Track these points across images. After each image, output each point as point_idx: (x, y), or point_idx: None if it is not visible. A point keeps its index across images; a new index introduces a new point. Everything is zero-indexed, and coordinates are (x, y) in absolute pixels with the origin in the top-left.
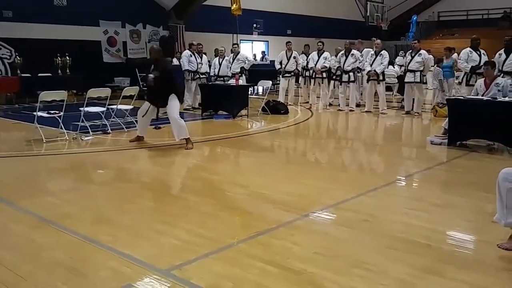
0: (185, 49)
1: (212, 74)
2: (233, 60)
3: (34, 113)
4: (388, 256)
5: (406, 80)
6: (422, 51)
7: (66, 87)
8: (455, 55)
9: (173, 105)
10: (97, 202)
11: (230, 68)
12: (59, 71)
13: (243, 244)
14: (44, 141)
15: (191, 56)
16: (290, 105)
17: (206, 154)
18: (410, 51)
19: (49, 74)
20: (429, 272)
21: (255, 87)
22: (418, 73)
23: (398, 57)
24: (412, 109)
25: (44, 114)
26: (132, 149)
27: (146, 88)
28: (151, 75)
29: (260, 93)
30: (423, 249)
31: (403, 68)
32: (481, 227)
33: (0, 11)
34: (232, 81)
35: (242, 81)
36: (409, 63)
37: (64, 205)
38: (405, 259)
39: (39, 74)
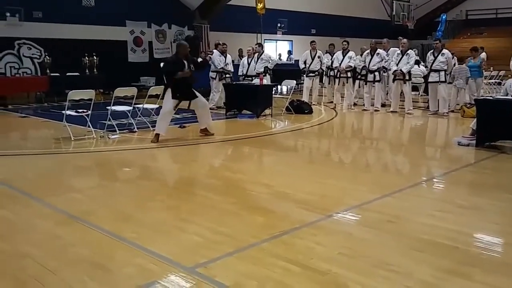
0: (209, 49)
1: (240, 73)
2: (257, 59)
3: (63, 111)
4: (413, 258)
5: (430, 80)
6: (445, 51)
7: (93, 86)
8: (483, 55)
9: (201, 96)
10: (122, 199)
11: (254, 67)
12: (87, 71)
13: (267, 244)
14: (72, 139)
15: (220, 56)
16: (314, 104)
17: (230, 153)
18: (432, 51)
19: (77, 74)
20: (454, 274)
21: (279, 86)
22: (442, 73)
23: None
24: (438, 109)
25: (73, 113)
26: (157, 148)
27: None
28: (186, 69)
29: (284, 93)
30: (449, 251)
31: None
32: (509, 230)
33: (30, 12)
34: (256, 81)
35: (266, 81)
36: (432, 63)
37: (90, 201)
38: (430, 261)
39: (68, 74)
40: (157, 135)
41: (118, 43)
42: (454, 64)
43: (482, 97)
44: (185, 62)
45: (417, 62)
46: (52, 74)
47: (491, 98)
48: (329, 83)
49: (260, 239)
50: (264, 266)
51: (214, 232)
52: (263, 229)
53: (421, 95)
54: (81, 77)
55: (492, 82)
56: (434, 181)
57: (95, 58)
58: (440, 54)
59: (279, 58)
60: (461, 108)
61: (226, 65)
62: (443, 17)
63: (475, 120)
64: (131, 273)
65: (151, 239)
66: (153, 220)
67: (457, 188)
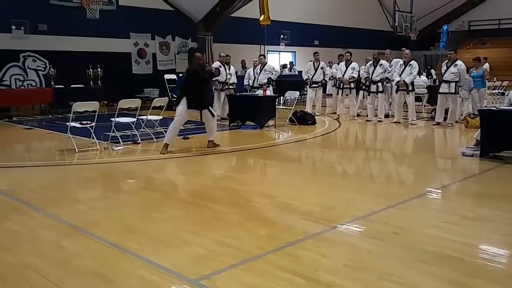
0: (213, 61)
1: (246, 83)
2: (260, 71)
3: (67, 123)
4: (419, 270)
5: (440, 90)
6: (459, 62)
7: (97, 98)
8: (486, 65)
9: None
10: (126, 211)
11: (257, 79)
12: (91, 83)
13: (271, 255)
14: (77, 150)
15: (220, 67)
16: (317, 115)
17: (233, 164)
18: (446, 61)
19: (82, 86)
20: (460, 286)
21: (282, 97)
22: (453, 84)
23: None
24: (444, 120)
25: (77, 125)
26: (160, 159)
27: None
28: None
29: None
30: (455, 263)
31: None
32: None
33: (36, 24)
34: (259, 92)
35: (269, 92)
36: (444, 73)
37: (93, 213)
38: (436, 272)
39: (72, 86)
40: (166, 145)
41: (122, 55)
42: None
43: (485, 108)
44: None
45: (419, 73)
46: (56, 86)
47: (494, 108)
48: (337, 94)
49: (265, 251)
50: (269, 278)
51: (219, 244)
52: (268, 241)
53: (424, 106)
54: (85, 89)
55: (495, 93)
56: (438, 192)
57: (99, 70)
58: (453, 65)
59: (282, 68)
60: (464, 119)
61: (229, 77)
62: (445, 28)
63: (479, 130)
64: (135, 285)
65: (155, 250)
66: (157, 232)
67: (462, 199)
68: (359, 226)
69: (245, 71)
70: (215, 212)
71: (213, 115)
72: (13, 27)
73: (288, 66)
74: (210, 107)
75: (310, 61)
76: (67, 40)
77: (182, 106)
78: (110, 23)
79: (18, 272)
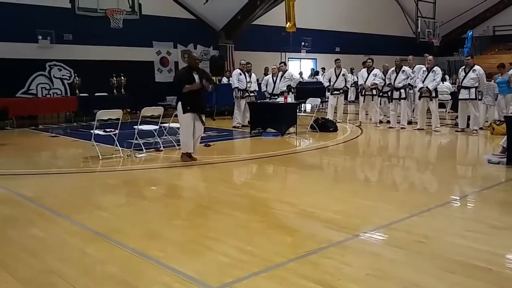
0: (234, 68)
1: (264, 90)
2: (280, 78)
3: (91, 131)
4: (445, 280)
5: (460, 97)
6: (476, 67)
7: (121, 106)
8: (511, 71)
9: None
10: (148, 217)
11: (278, 86)
12: (115, 91)
13: (293, 263)
14: (100, 158)
15: (240, 74)
16: (339, 122)
17: (255, 172)
18: (464, 67)
19: (105, 94)
20: None
21: (304, 104)
22: (473, 90)
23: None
24: (468, 127)
25: (101, 132)
26: (182, 166)
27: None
28: (197, 81)
29: (309, 111)
30: (482, 273)
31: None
32: None
33: (61, 34)
34: (280, 99)
35: (290, 99)
36: (463, 79)
37: (117, 219)
38: (462, 283)
39: (96, 94)
40: (187, 153)
41: (145, 64)
42: None
43: None
44: (196, 75)
45: (442, 79)
46: (81, 95)
47: None
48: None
49: (287, 259)
50: (290, 287)
51: (241, 251)
52: (290, 249)
53: (448, 112)
54: (109, 97)
55: None
56: (464, 200)
57: (122, 78)
58: (471, 71)
59: (301, 76)
60: (490, 125)
61: (250, 84)
62: (469, 33)
63: (505, 137)
64: None
65: (178, 257)
66: (179, 239)
67: (488, 207)
68: (382, 235)
69: None
70: (237, 220)
71: (202, 123)
72: (40, 37)
73: (311, 73)
74: (199, 114)
75: (324, 68)
76: (91, 49)
77: (179, 112)
78: (133, 32)
79: (44, 278)
